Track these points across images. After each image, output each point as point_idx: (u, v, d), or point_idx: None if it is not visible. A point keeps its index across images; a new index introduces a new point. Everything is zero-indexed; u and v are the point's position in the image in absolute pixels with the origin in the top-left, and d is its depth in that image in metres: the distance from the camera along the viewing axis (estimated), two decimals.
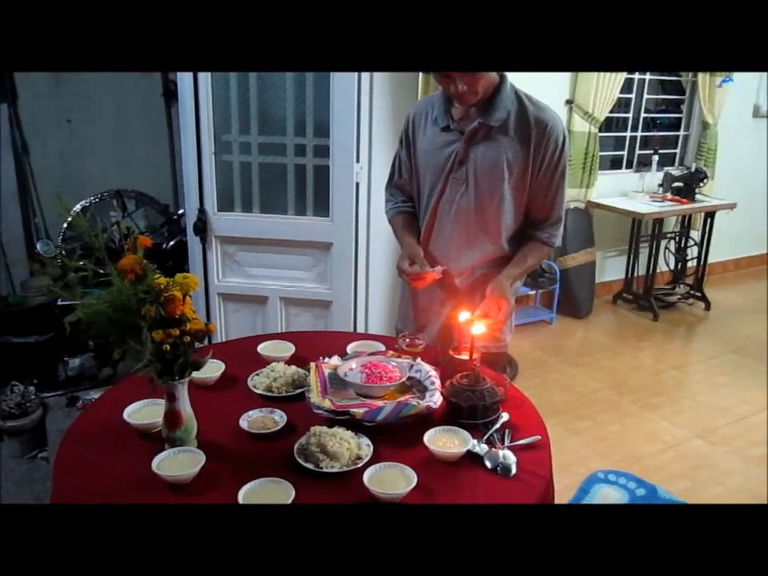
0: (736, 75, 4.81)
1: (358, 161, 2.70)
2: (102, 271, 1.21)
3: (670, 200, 4.64)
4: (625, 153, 4.88)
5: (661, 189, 4.78)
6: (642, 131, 4.91)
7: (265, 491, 1.17)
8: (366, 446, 1.32)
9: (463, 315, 1.56)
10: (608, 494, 2.58)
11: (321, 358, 1.63)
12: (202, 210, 2.79)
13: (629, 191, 4.77)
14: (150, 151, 4.29)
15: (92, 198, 3.93)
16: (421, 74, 3.01)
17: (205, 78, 2.63)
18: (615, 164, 4.96)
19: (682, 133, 5.18)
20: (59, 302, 3.13)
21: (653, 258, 4.69)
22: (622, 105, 4.75)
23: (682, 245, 4.96)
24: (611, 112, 4.45)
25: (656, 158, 4.81)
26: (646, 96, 4.85)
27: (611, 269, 5.03)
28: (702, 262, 4.91)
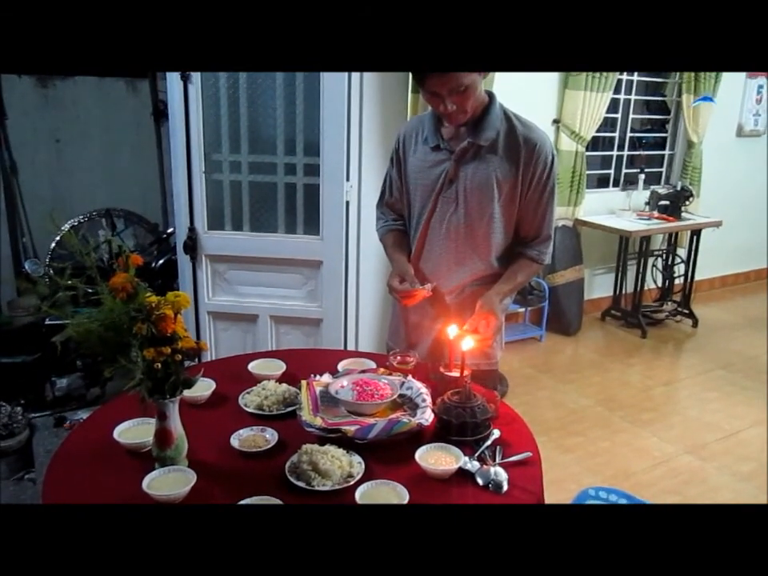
0: (719, 94, 4.89)
1: (347, 179, 2.72)
2: (91, 290, 1.21)
3: (657, 218, 4.68)
4: (611, 171, 4.94)
5: (647, 207, 4.83)
6: (628, 150, 4.97)
7: None
8: (357, 464, 1.32)
9: (452, 330, 1.57)
10: None
11: (312, 375, 1.63)
12: (192, 229, 2.79)
13: (616, 209, 4.82)
14: (139, 170, 4.30)
15: (81, 217, 3.93)
16: (410, 93, 3.04)
17: (195, 96, 2.65)
18: (602, 182, 5.01)
19: (667, 152, 5.25)
20: (46, 322, 3.11)
21: (640, 275, 4.72)
22: (608, 124, 4.82)
23: (669, 262, 5.00)
24: (598, 131, 4.52)
25: (642, 176, 4.86)
26: (631, 116, 4.92)
27: (599, 286, 5.06)
28: (689, 279, 4.96)
